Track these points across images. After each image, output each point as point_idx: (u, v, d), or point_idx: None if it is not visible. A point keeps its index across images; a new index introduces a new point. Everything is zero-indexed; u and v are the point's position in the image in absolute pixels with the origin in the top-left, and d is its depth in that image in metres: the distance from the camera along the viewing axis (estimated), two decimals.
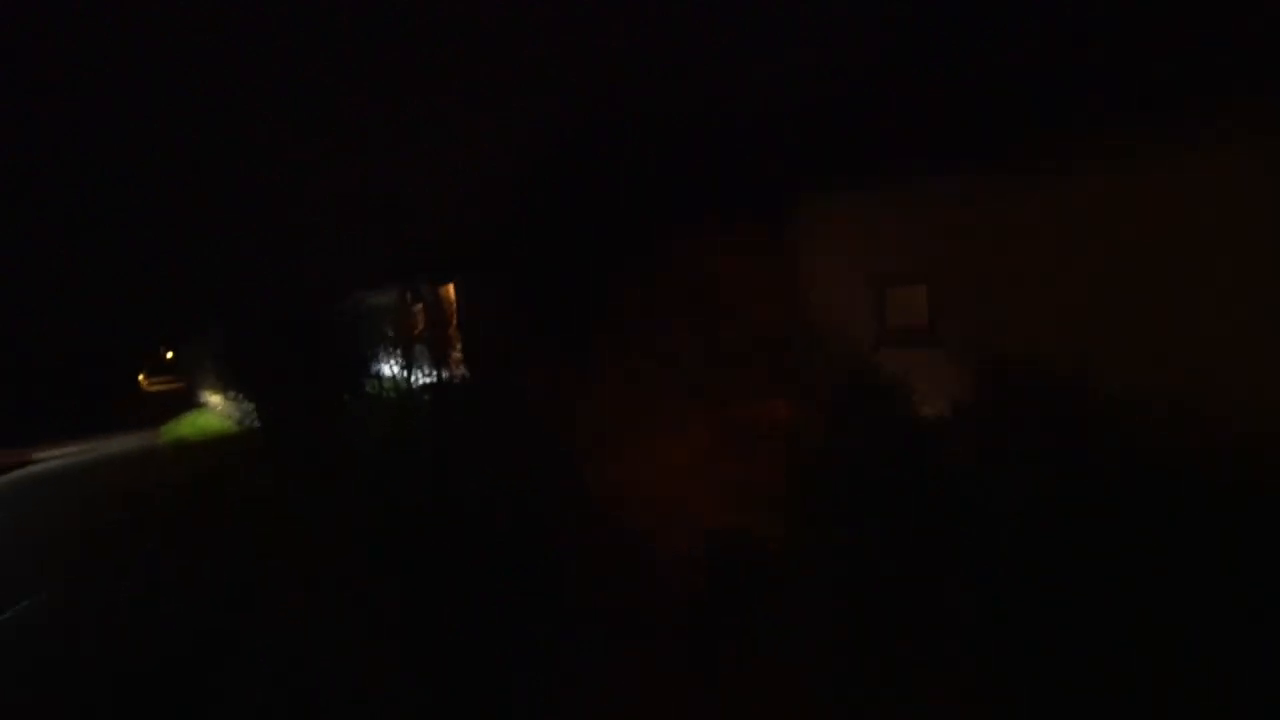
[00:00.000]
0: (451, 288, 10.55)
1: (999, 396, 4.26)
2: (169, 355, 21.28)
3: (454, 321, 10.28)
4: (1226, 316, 3.43)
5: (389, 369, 10.66)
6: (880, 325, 5.09)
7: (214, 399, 12.47)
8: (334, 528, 4.02)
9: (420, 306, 10.94)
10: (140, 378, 20.60)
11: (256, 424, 8.40)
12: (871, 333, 5.12)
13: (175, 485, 6.39)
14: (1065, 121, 4.03)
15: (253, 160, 5.14)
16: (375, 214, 8.56)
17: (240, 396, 9.46)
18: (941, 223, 4.67)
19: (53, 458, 9.82)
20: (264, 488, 5.54)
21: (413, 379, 10.09)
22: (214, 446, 9.01)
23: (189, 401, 14.29)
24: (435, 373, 9.81)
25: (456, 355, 9.89)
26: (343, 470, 5.51)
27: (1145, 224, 3.72)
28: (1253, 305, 3.32)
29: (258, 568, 3.58)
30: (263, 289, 10.90)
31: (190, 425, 11.24)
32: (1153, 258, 3.66)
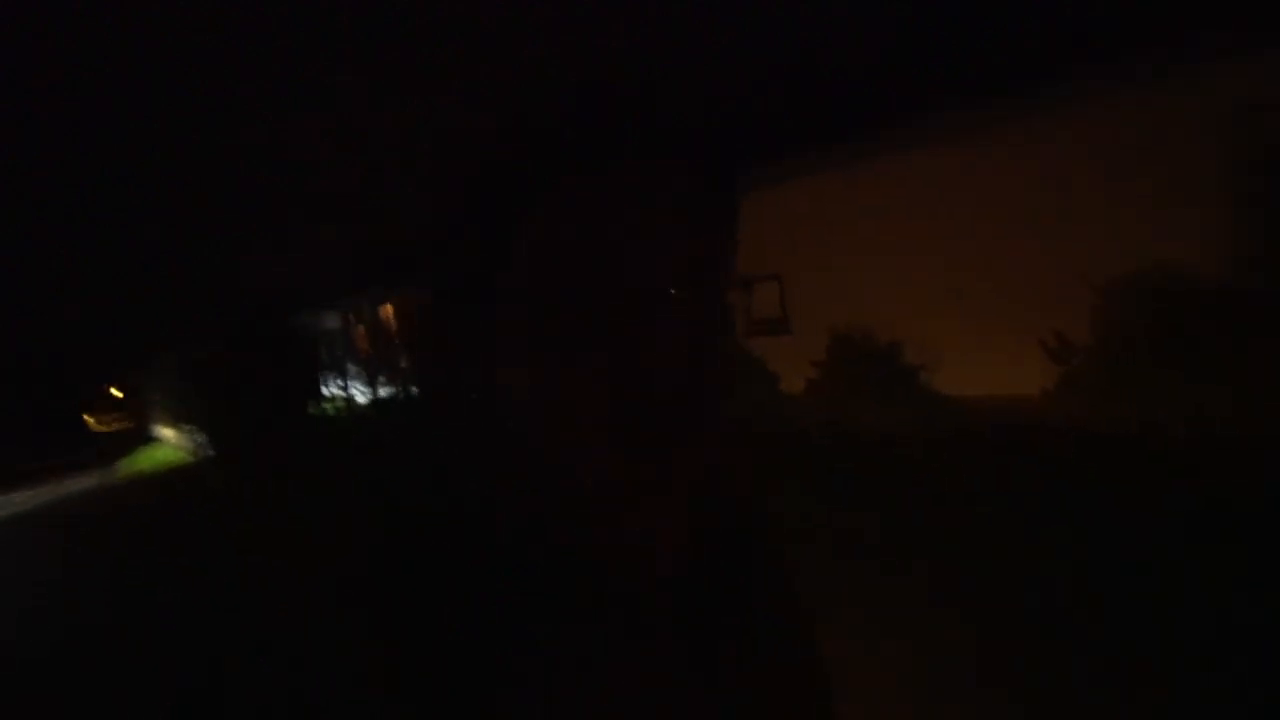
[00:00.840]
0: (389, 308, 11.15)
1: (835, 373, 5.21)
2: (117, 394, 21.07)
3: (394, 339, 10.90)
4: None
5: (333, 390, 11.23)
6: (748, 316, 6.00)
7: (167, 432, 12.81)
8: (299, 527, 4.69)
9: (361, 329, 11.52)
10: (87, 418, 20.31)
11: (210, 452, 8.90)
12: (742, 323, 6.02)
13: (143, 507, 6.91)
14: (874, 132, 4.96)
15: (190, 195, 5.39)
16: (315, 241, 8.82)
17: (193, 427, 9.92)
18: (784, 226, 5.59)
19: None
20: (223, 501, 6.16)
21: (356, 397, 10.71)
22: (174, 474, 9.46)
23: (141, 438, 14.51)
24: (373, 389, 10.41)
25: (400, 369, 10.52)
26: (296, 478, 6.16)
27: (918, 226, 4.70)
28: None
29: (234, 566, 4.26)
30: (208, 321, 11.27)
31: (147, 459, 11.57)
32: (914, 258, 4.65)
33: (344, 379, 11.56)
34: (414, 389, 9.84)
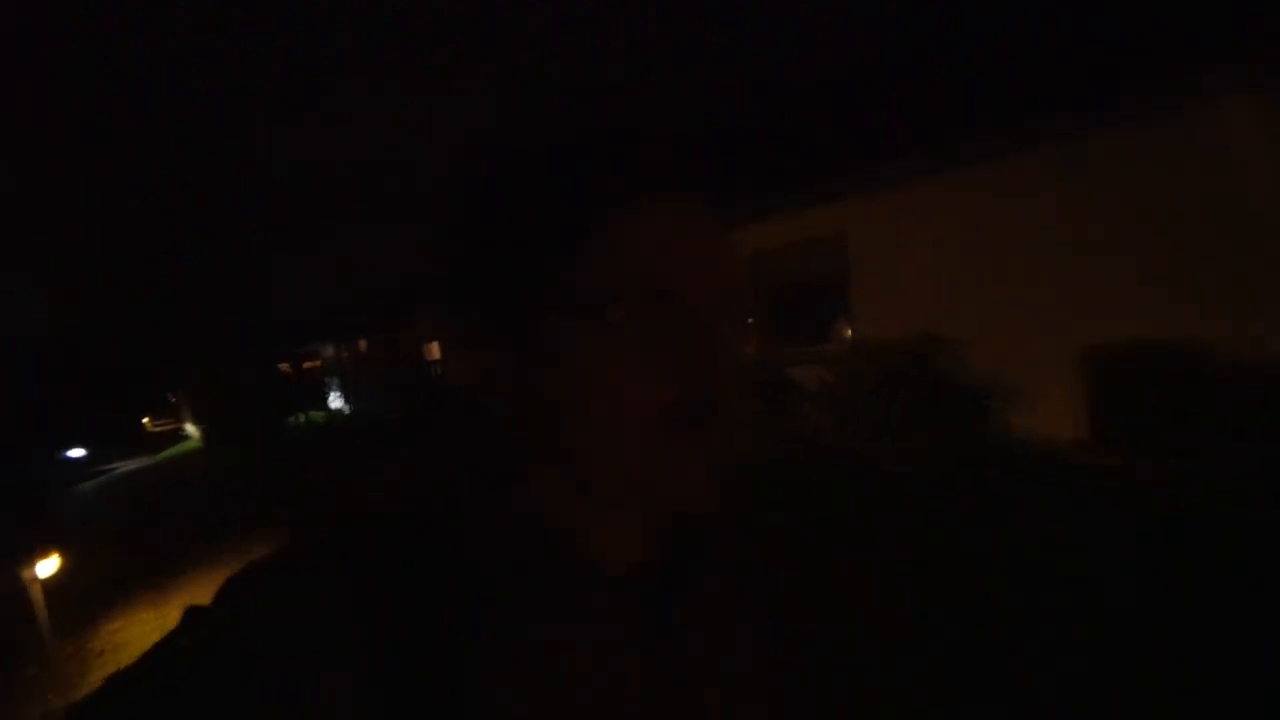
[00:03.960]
0: (363, 343, 14.10)
1: None
2: (172, 400, 24.26)
3: (366, 365, 13.80)
4: None
5: (331, 403, 14.24)
6: None
7: (192, 429, 16.20)
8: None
9: (344, 356, 14.53)
10: (145, 420, 23.12)
11: (214, 443, 11.92)
12: None
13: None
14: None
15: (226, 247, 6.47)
16: (313, 290, 11.03)
17: (203, 426, 13.05)
18: None
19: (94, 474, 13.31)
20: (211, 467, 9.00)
21: (343, 409, 13.62)
22: (190, 455, 12.51)
23: (181, 435, 17.93)
24: (348, 403, 13.20)
25: (366, 388, 13.38)
26: (270, 463, 8.80)
27: None
28: None
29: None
30: (234, 349, 14.33)
31: (178, 450, 14.83)
32: None
33: (336, 394, 14.55)
34: (371, 405, 12.62)
